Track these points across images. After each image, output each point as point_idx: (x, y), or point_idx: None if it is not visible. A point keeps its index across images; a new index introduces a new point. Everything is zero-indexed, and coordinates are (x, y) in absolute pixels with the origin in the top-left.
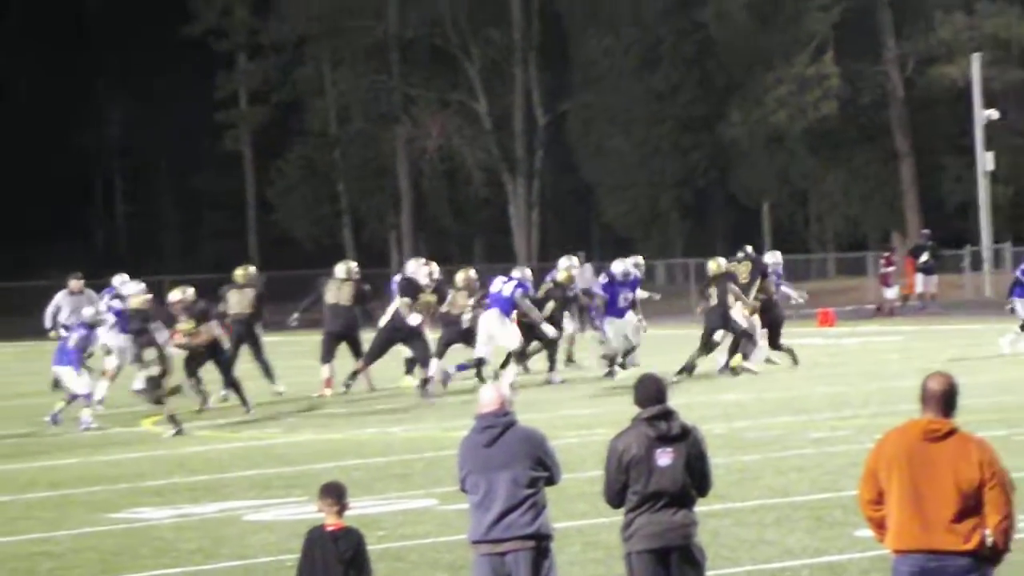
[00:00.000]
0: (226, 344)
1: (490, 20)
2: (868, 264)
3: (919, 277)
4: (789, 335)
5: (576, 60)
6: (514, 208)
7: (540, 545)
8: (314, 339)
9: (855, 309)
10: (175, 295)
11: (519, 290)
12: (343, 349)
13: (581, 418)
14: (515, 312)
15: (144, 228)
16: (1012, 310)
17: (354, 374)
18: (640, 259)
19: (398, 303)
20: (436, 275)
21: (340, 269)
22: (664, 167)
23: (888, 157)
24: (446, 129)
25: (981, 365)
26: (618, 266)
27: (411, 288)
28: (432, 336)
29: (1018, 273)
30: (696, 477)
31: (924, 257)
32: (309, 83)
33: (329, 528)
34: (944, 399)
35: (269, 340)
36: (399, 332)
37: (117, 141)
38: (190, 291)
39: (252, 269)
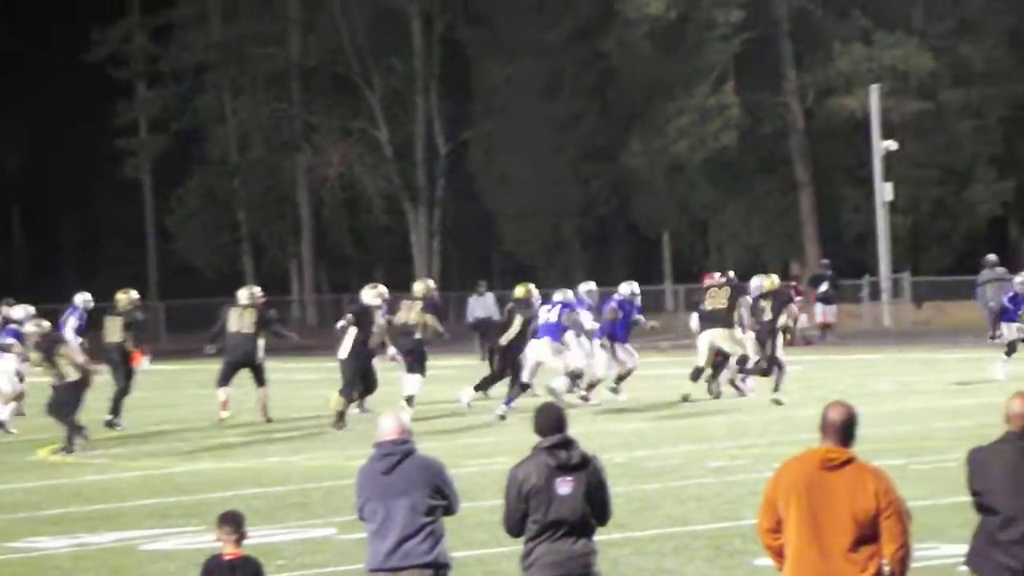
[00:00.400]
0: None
1: (392, 49)
2: None
3: (818, 307)
4: (687, 364)
5: (478, 89)
6: (415, 236)
7: (438, 574)
8: (217, 367)
9: None
10: (30, 327)
11: (566, 310)
12: (245, 376)
13: (481, 447)
14: (567, 332)
15: (42, 255)
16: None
17: (360, 403)
18: (592, 285)
19: (351, 332)
20: (387, 296)
21: (243, 294)
22: (565, 196)
23: (788, 187)
24: (347, 157)
25: (879, 395)
26: (625, 288)
27: (367, 316)
28: (381, 365)
29: (1004, 301)
30: (596, 506)
31: (823, 287)
32: (209, 111)
33: (227, 557)
34: (843, 428)
35: (171, 368)
36: (368, 359)
37: (14, 167)
38: (45, 324)
39: (133, 294)
